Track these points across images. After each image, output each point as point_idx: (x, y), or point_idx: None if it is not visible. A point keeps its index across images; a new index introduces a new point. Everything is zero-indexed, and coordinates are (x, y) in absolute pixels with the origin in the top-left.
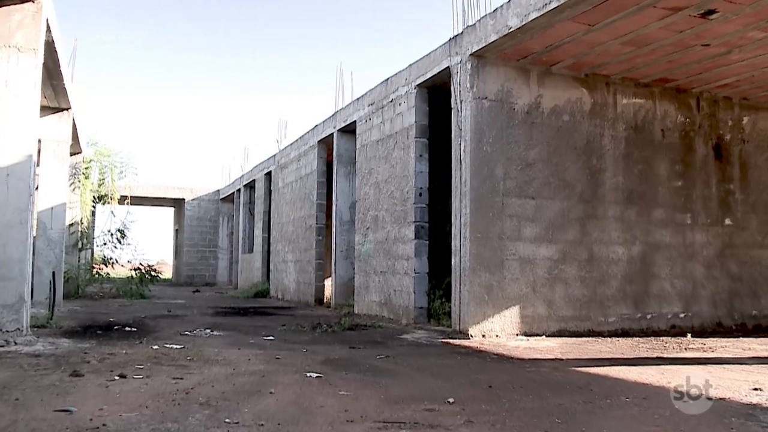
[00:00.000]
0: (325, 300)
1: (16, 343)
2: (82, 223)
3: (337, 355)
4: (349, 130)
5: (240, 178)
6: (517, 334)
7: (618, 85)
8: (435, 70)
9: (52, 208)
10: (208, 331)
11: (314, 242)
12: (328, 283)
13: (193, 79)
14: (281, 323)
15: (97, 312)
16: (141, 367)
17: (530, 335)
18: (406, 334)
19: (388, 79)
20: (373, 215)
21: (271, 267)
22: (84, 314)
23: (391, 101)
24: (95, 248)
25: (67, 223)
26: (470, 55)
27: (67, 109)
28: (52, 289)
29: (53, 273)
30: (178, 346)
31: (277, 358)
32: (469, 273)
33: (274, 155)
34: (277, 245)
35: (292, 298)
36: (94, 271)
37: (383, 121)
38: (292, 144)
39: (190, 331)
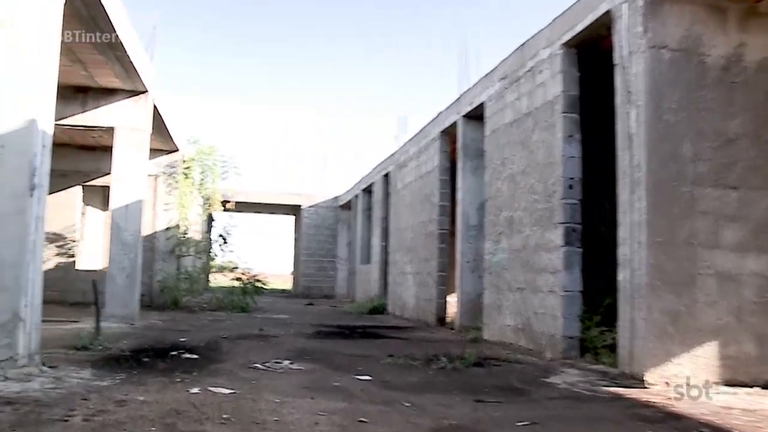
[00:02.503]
0: (447, 320)
1: (6, 378)
2: (179, 227)
3: (455, 419)
4: (476, 115)
5: (358, 182)
6: (715, 383)
7: None
8: (589, 19)
9: (126, 205)
10: (288, 362)
11: (436, 251)
12: (452, 300)
13: (304, 82)
14: (389, 352)
15: (175, 329)
16: None
17: (733, 384)
18: (554, 374)
19: (524, 43)
20: (507, 216)
21: (389, 279)
22: (156, 332)
23: (529, 70)
24: (194, 255)
25: (163, 227)
26: None
27: (143, 92)
28: (95, 302)
29: (93, 282)
30: (227, 391)
31: (361, 422)
32: (646, 293)
33: (393, 154)
34: (395, 255)
35: (410, 316)
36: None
37: (519, 96)
38: (411, 139)
39: (263, 363)
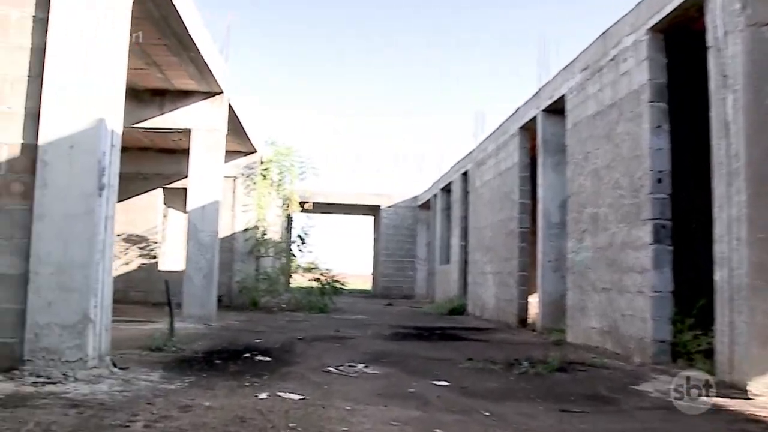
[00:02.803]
0: (528, 321)
1: (76, 379)
2: (257, 228)
3: (540, 430)
4: (556, 109)
5: (436, 181)
6: None
7: None
8: (678, 0)
9: (203, 206)
10: (362, 366)
11: (516, 250)
12: (533, 301)
13: (380, 84)
14: (468, 355)
15: (251, 330)
16: None
17: None
18: (644, 381)
19: (606, 31)
20: (590, 213)
21: (469, 280)
22: (231, 333)
23: (612, 59)
24: (273, 255)
25: (242, 227)
26: None
27: (219, 94)
28: (168, 302)
29: (166, 282)
30: (297, 396)
31: None
32: (747, 294)
33: (471, 152)
34: (474, 254)
35: (491, 317)
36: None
37: (601, 87)
38: (489, 136)
39: (337, 366)
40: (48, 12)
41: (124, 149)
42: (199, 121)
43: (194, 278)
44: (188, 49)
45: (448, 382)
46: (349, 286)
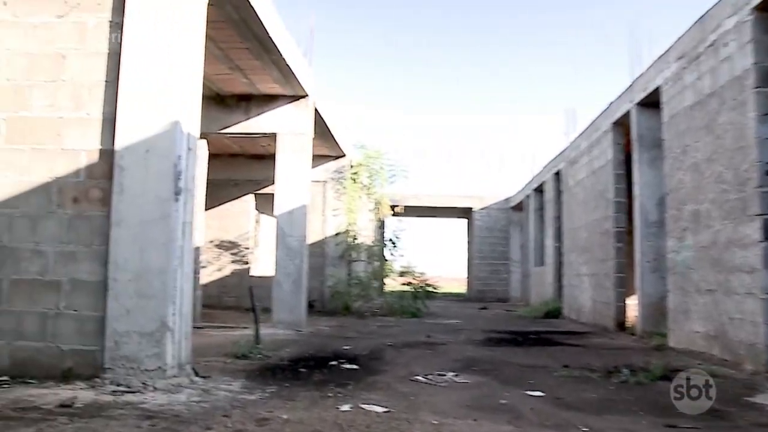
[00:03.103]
0: (627, 324)
1: (154, 388)
2: (348, 233)
3: None
4: (651, 101)
5: (529, 182)
6: None
7: None
8: None
9: (291, 211)
10: (452, 374)
11: (612, 251)
12: (632, 303)
13: (466, 85)
14: (563, 362)
15: (341, 336)
16: None
17: None
18: (759, 393)
19: (703, 15)
20: (691, 210)
21: (564, 282)
22: (320, 339)
23: (711, 45)
24: (365, 259)
25: (333, 232)
26: None
27: (304, 97)
28: (252, 308)
29: (250, 289)
30: (381, 409)
31: None
32: None
33: (563, 150)
34: (569, 256)
35: (587, 320)
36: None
37: (699, 76)
38: (581, 134)
39: (426, 375)
40: (123, 16)
41: (215, 156)
42: (285, 125)
43: (283, 283)
44: (270, 52)
45: (542, 392)
46: (443, 290)
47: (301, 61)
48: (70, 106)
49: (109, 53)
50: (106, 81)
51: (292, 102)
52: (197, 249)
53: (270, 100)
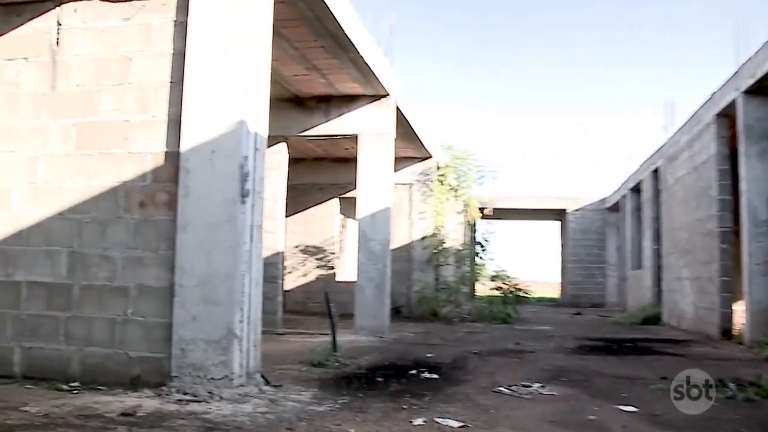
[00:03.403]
0: (733, 332)
1: (221, 398)
2: (435, 236)
3: None
4: (760, 88)
5: (625, 181)
6: None
7: None
8: None
9: (373, 214)
10: (538, 385)
11: (717, 253)
12: (739, 309)
13: (556, 83)
14: (661, 373)
15: (424, 343)
16: None
17: None
18: None
19: None
20: None
21: (663, 286)
22: (403, 346)
23: None
24: (453, 264)
25: (419, 236)
26: None
27: (385, 96)
28: (329, 314)
29: (326, 294)
30: (456, 424)
31: None
32: None
33: (661, 147)
34: (669, 258)
35: (688, 327)
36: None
37: None
38: (680, 128)
39: (509, 386)
40: (187, 15)
41: (299, 160)
42: (366, 126)
43: (365, 289)
44: (347, 50)
45: (635, 407)
46: (536, 295)
47: (381, 59)
48: (136, 109)
49: (173, 53)
50: (171, 82)
51: (372, 102)
52: (279, 254)
53: (350, 100)
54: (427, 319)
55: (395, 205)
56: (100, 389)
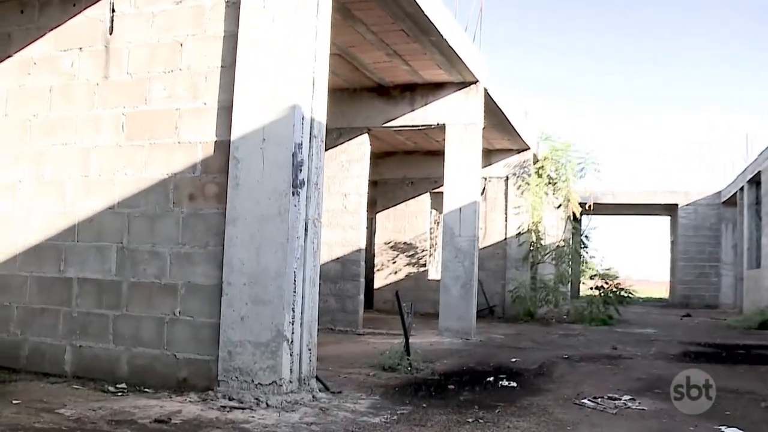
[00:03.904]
0: None
1: (267, 405)
2: (531, 232)
3: None
4: None
5: (741, 172)
6: None
7: None
8: None
9: (460, 208)
10: (627, 398)
11: None
12: None
13: (661, 72)
14: None
15: (512, 346)
16: None
17: None
18: None
19: None
20: None
21: None
22: (487, 349)
23: None
24: (551, 261)
25: (514, 232)
26: None
27: (473, 83)
28: (401, 316)
29: (396, 294)
30: None
31: None
32: None
33: None
34: None
35: None
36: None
37: None
38: None
39: (594, 397)
40: None
41: (389, 154)
42: (453, 115)
43: (451, 288)
44: (427, 33)
45: (740, 428)
46: (642, 295)
47: (467, 42)
48: (187, 96)
49: (225, 36)
50: (222, 66)
51: (460, 89)
52: (360, 251)
53: (436, 88)
54: (521, 320)
55: (489, 199)
56: (146, 392)
